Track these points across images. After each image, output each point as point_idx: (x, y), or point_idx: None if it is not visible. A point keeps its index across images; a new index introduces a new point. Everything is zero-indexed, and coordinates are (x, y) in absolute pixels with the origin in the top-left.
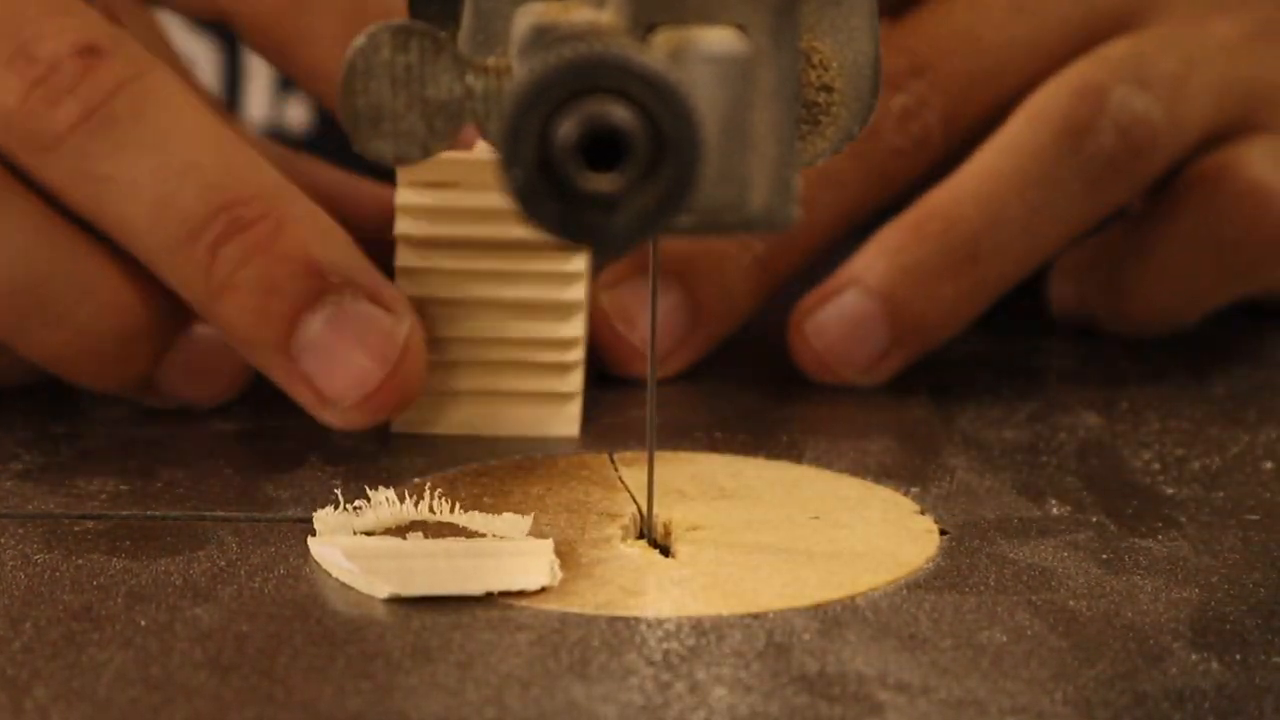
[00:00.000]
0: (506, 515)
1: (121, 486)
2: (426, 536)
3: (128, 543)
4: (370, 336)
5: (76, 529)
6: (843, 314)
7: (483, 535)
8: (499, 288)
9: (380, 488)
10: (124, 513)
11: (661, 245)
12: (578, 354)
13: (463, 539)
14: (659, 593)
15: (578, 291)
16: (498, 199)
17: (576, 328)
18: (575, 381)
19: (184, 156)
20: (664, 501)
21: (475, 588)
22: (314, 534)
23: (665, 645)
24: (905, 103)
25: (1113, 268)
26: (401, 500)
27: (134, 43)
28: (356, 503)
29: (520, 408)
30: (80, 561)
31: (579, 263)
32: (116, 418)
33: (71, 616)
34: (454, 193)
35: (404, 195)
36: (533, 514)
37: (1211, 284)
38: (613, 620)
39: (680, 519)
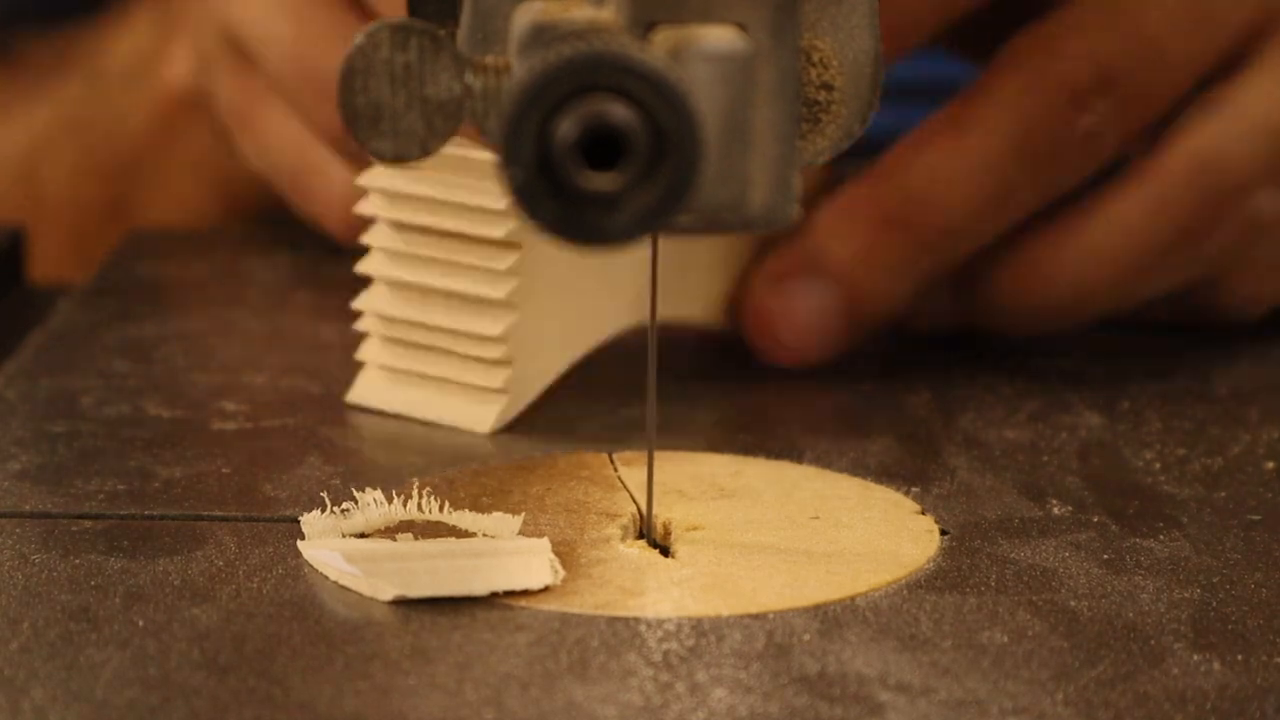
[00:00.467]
0: (496, 514)
1: (119, 486)
2: (416, 537)
3: (125, 543)
4: None
5: (74, 529)
6: (807, 308)
7: (473, 535)
8: (440, 276)
9: (368, 489)
10: (122, 513)
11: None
12: (500, 351)
13: (458, 539)
14: (658, 593)
15: (505, 289)
16: (455, 189)
17: (500, 325)
18: (498, 378)
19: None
20: (663, 501)
21: (480, 588)
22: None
23: (665, 646)
24: (1091, 125)
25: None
26: (390, 500)
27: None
28: (344, 505)
29: (446, 396)
30: (78, 561)
31: (510, 261)
32: (114, 418)
33: (69, 617)
34: (420, 179)
35: (371, 176)
36: (522, 514)
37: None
38: (612, 621)
39: (680, 519)
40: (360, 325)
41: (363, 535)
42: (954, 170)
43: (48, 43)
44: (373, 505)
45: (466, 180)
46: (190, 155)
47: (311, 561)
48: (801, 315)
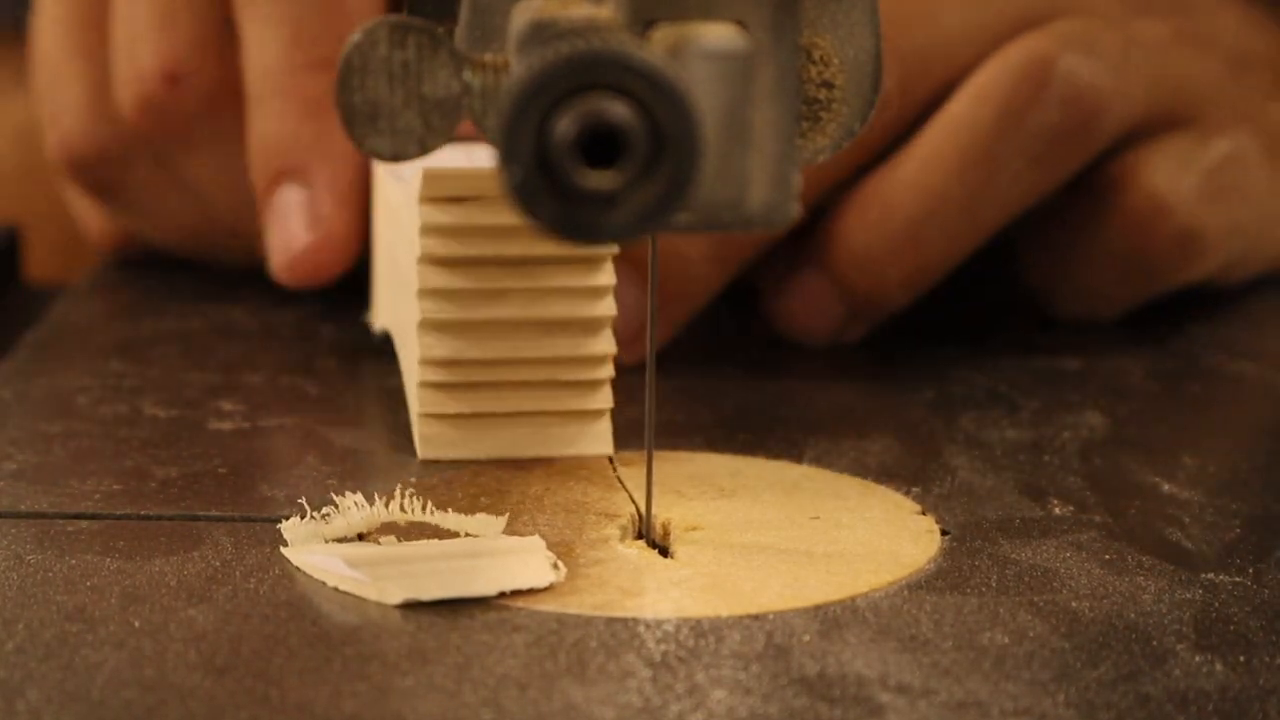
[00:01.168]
0: (480, 516)
1: (115, 486)
2: (399, 540)
3: (122, 543)
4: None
5: (70, 529)
6: (797, 288)
7: (457, 536)
8: (525, 307)
9: (347, 493)
10: (118, 513)
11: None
12: (607, 370)
13: (454, 540)
14: (657, 594)
15: (606, 307)
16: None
17: (606, 343)
18: (605, 398)
19: (295, 36)
20: (662, 502)
21: (486, 588)
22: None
23: (664, 647)
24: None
25: (1030, 265)
26: (371, 503)
27: (214, 66)
28: (324, 510)
29: (551, 428)
30: (74, 562)
31: (606, 276)
32: (111, 417)
33: (65, 618)
34: (476, 208)
35: (427, 214)
36: (506, 514)
37: (1116, 290)
38: (611, 621)
39: (679, 519)
40: (425, 377)
41: (344, 539)
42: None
43: None
44: (354, 509)
45: None
46: None
47: (307, 568)
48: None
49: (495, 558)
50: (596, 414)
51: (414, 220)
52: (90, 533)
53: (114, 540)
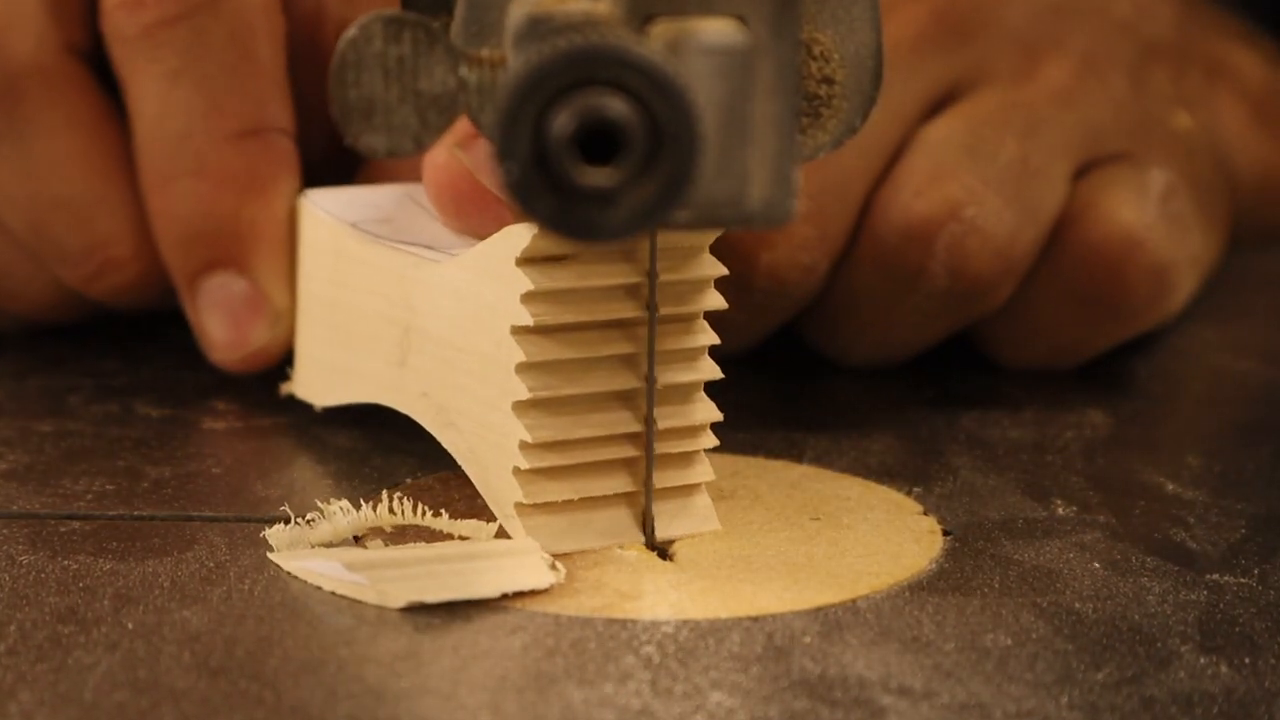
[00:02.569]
0: (470, 521)
1: (108, 486)
2: (385, 544)
3: (115, 544)
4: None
5: (62, 529)
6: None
7: (449, 539)
8: (624, 377)
9: (332, 499)
10: (111, 513)
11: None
12: (711, 438)
13: (448, 543)
14: (656, 596)
15: (706, 368)
16: (603, 270)
17: (709, 409)
18: (708, 469)
19: (210, 100)
20: None
21: (488, 590)
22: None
23: (663, 649)
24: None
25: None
26: (358, 506)
27: (11, 51)
28: (309, 515)
29: (637, 510)
30: (66, 563)
31: (702, 335)
32: (103, 416)
33: (57, 619)
34: (577, 268)
35: (531, 278)
36: (498, 520)
37: (1077, 336)
38: (609, 623)
39: None
40: (534, 463)
41: (330, 544)
42: None
43: None
44: (340, 514)
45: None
46: None
47: (302, 574)
48: None
49: (493, 559)
50: (692, 489)
51: (497, 289)
52: (83, 533)
53: (107, 541)
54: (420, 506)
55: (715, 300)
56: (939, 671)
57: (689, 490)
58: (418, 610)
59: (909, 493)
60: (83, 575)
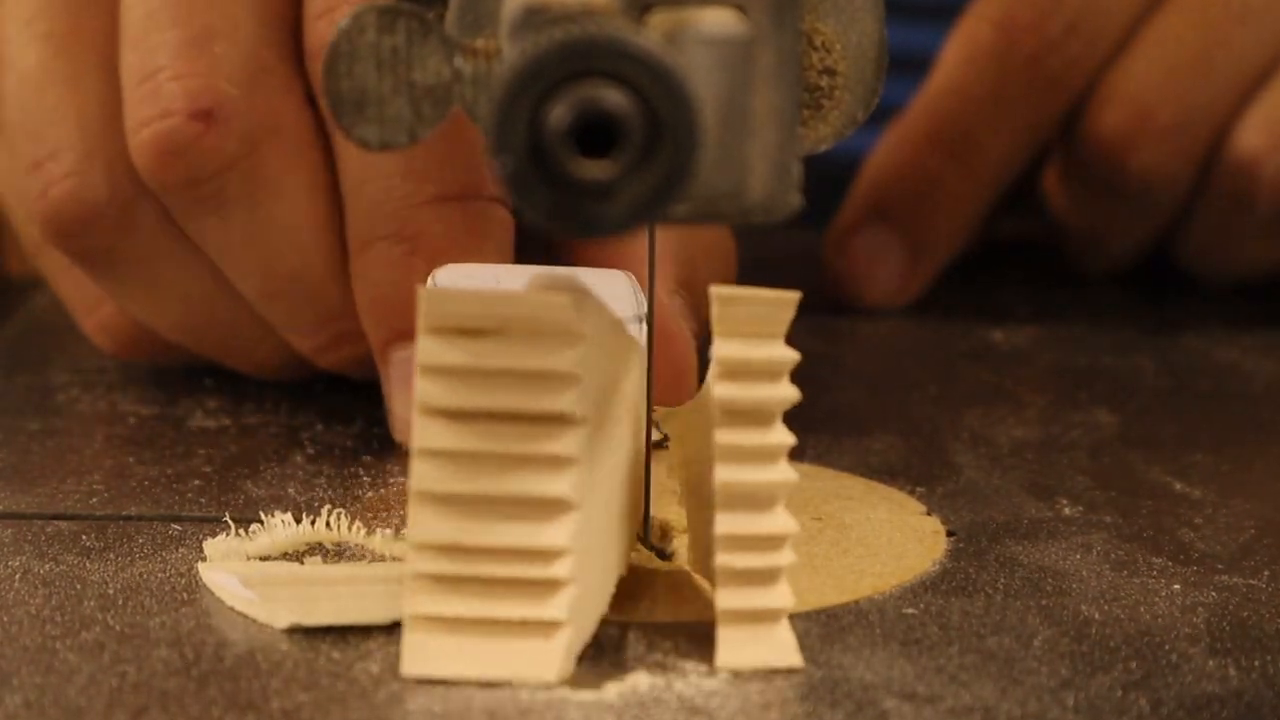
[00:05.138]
0: (403, 543)
1: (96, 486)
2: (325, 560)
3: (102, 544)
4: None
5: (49, 529)
6: (860, 239)
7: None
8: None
9: (276, 511)
10: (98, 513)
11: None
12: (787, 556)
13: (367, 564)
14: (655, 596)
15: (564, 482)
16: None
17: (563, 532)
18: (784, 595)
19: (410, 163)
20: (660, 502)
21: (382, 616)
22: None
23: (661, 650)
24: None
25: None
26: (299, 521)
27: (260, 104)
28: (252, 527)
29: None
30: (53, 563)
31: (567, 440)
32: (91, 414)
33: (44, 620)
34: (489, 343)
35: (426, 349)
36: None
37: (1265, 253)
38: (608, 624)
39: (677, 520)
40: (417, 565)
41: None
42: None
43: None
44: (280, 527)
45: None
46: None
47: (210, 586)
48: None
49: (400, 584)
50: (548, 626)
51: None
52: (70, 533)
53: (94, 541)
54: (356, 524)
55: (793, 392)
56: (942, 674)
57: (764, 616)
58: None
59: (912, 492)
60: (69, 576)
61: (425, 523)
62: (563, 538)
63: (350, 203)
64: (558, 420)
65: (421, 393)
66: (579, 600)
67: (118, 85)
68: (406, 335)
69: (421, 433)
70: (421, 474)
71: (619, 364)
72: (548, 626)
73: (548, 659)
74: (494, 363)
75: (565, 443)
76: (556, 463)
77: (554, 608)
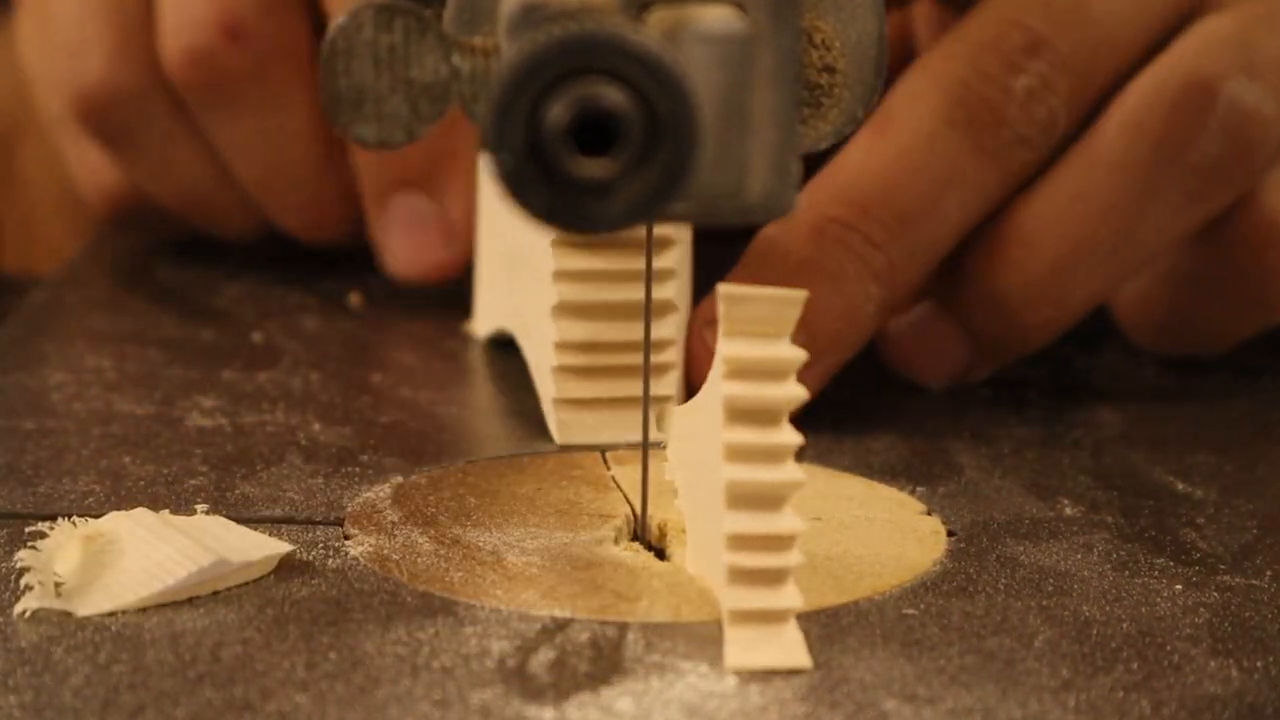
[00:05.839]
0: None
1: (92, 486)
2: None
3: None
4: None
5: (45, 530)
6: (919, 328)
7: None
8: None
9: (62, 518)
10: (94, 514)
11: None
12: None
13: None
14: (654, 597)
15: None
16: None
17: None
18: (792, 595)
19: (283, 143)
20: (659, 502)
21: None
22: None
23: (660, 651)
24: (1029, 85)
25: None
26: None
27: (276, 26)
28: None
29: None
30: None
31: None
32: (86, 414)
33: (39, 621)
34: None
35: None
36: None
37: (1226, 323)
38: (606, 625)
39: (676, 520)
40: (563, 361)
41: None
42: (883, 156)
43: None
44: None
45: None
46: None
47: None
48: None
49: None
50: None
51: None
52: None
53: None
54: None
55: (800, 392)
56: (943, 675)
57: (773, 616)
58: (410, 611)
59: (912, 492)
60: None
61: (566, 327)
62: (671, 330)
63: None
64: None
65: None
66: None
67: None
68: (405, 184)
69: (561, 258)
70: (562, 290)
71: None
72: (663, 400)
73: (663, 425)
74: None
75: (668, 256)
76: (663, 275)
77: (665, 385)
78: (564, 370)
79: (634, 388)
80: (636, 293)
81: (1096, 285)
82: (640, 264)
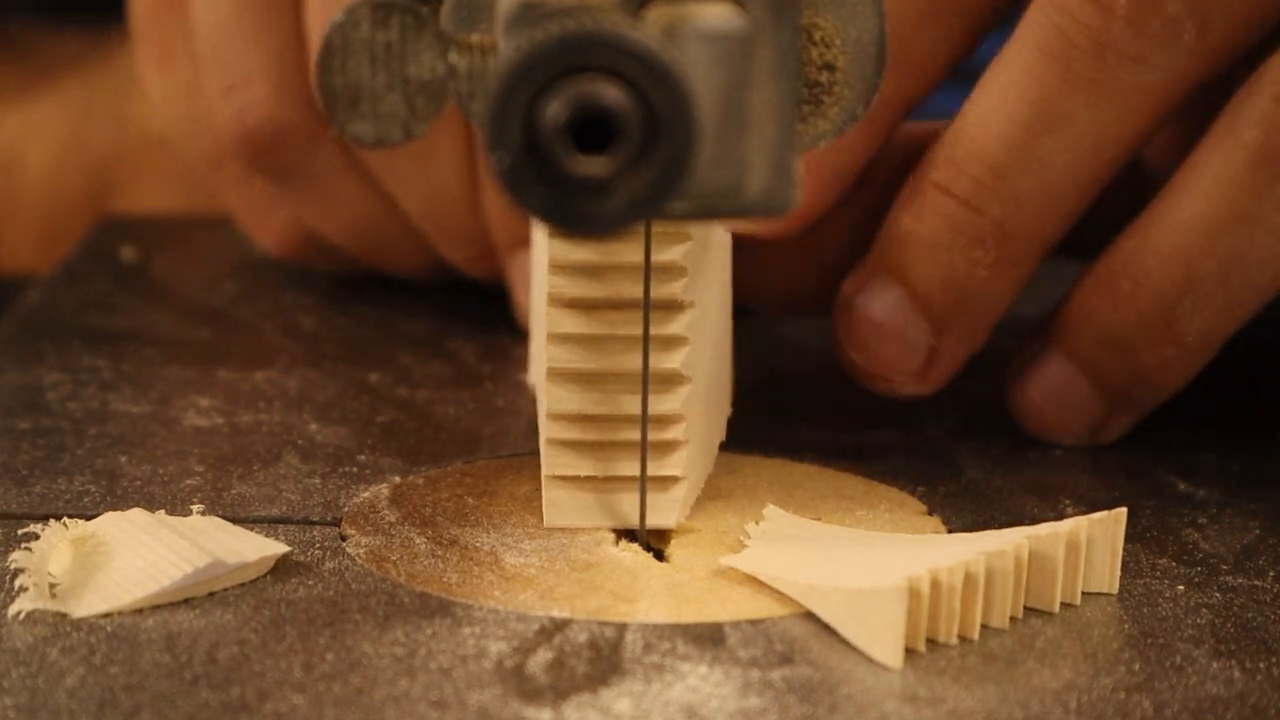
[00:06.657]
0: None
1: (88, 485)
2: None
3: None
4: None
5: (40, 530)
6: (1051, 386)
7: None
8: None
9: (53, 519)
10: (89, 514)
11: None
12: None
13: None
14: (653, 598)
15: (677, 358)
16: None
17: (677, 400)
18: (677, 463)
19: (441, 175)
20: None
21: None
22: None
23: (659, 652)
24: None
25: None
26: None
27: None
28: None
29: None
30: None
31: (678, 325)
32: (82, 413)
33: (34, 622)
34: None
35: (557, 249)
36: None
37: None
38: (604, 625)
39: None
40: (552, 433)
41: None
42: (974, 107)
43: (62, 43)
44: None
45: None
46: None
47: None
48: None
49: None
50: (667, 481)
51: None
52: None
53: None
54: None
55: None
56: (944, 676)
57: (664, 483)
58: (407, 612)
59: (913, 492)
60: None
61: (559, 396)
62: (677, 405)
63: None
64: (670, 305)
65: (552, 285)
66: (692, 458)
67: (303, 26)
68: (525, 240)
69: (553, 320)
70: (555, 355)
71: (709, 251)
72: (666, 481)
73: (667, 508)
74: (614, 258)
75: (677, 324)
76: (670, 342)
77: (671, 466)
78: (555, 444)
79: (633, 467)
80: (634, 362)
81: (1210, 318)
82: (636, 330)
